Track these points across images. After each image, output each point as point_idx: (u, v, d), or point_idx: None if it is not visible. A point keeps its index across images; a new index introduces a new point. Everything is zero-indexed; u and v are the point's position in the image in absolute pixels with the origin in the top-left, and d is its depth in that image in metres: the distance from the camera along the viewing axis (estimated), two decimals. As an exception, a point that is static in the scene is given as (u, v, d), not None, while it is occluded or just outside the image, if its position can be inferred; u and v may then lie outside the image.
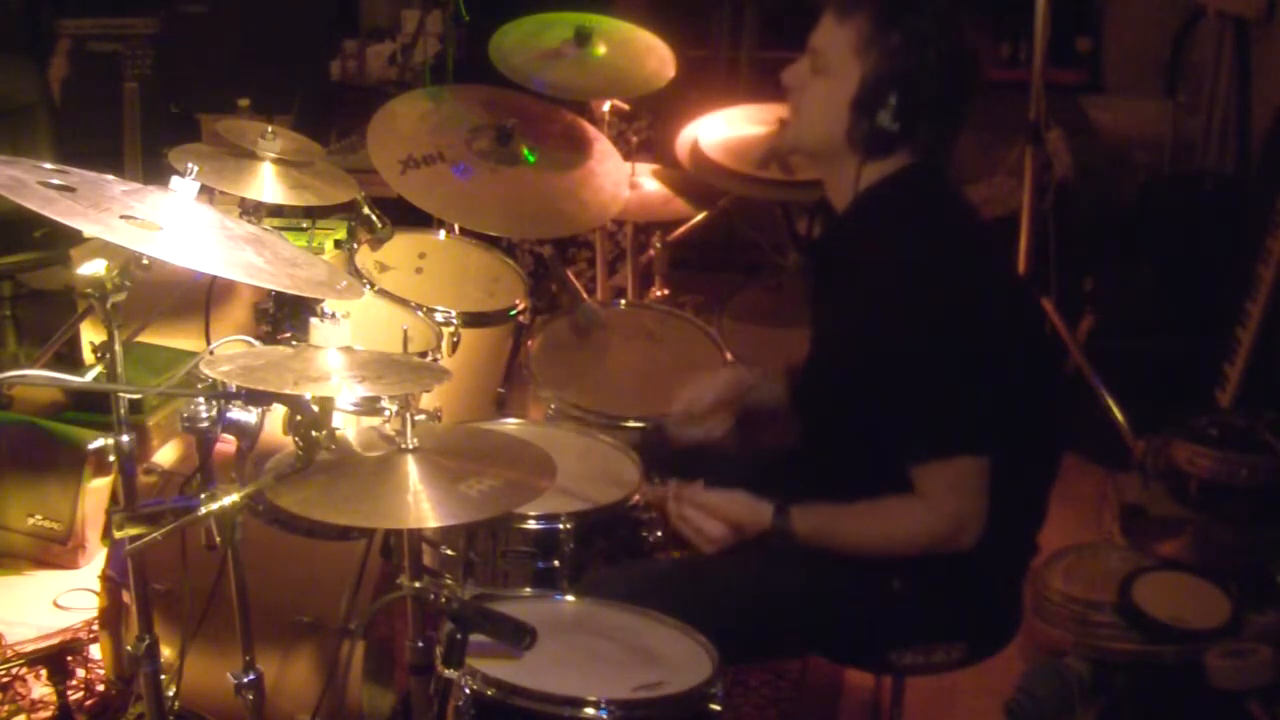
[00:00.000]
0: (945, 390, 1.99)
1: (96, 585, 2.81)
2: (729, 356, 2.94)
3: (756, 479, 2.17)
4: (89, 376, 2.56)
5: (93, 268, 1.72)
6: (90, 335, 3.56)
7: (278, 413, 1.77)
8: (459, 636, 1.74)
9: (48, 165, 1.71)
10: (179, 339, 3.38)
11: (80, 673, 2.80)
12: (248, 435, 1.80)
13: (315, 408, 1.73)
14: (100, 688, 2.78)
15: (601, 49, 3.37)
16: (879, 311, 2.01)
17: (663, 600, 1.98)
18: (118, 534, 1.80)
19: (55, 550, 3.34)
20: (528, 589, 2.16)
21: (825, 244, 2.21)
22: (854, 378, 2.07)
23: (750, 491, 2.13)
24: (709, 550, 2.13)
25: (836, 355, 2.17)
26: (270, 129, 2.55)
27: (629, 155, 3.35)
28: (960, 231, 2.11)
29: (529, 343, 2.96)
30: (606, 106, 3.44)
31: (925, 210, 2.08)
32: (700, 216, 3.66)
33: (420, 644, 2.01)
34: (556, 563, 2.19)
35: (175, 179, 1.76)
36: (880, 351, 2.00)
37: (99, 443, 1.81)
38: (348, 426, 2.00)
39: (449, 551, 2.25)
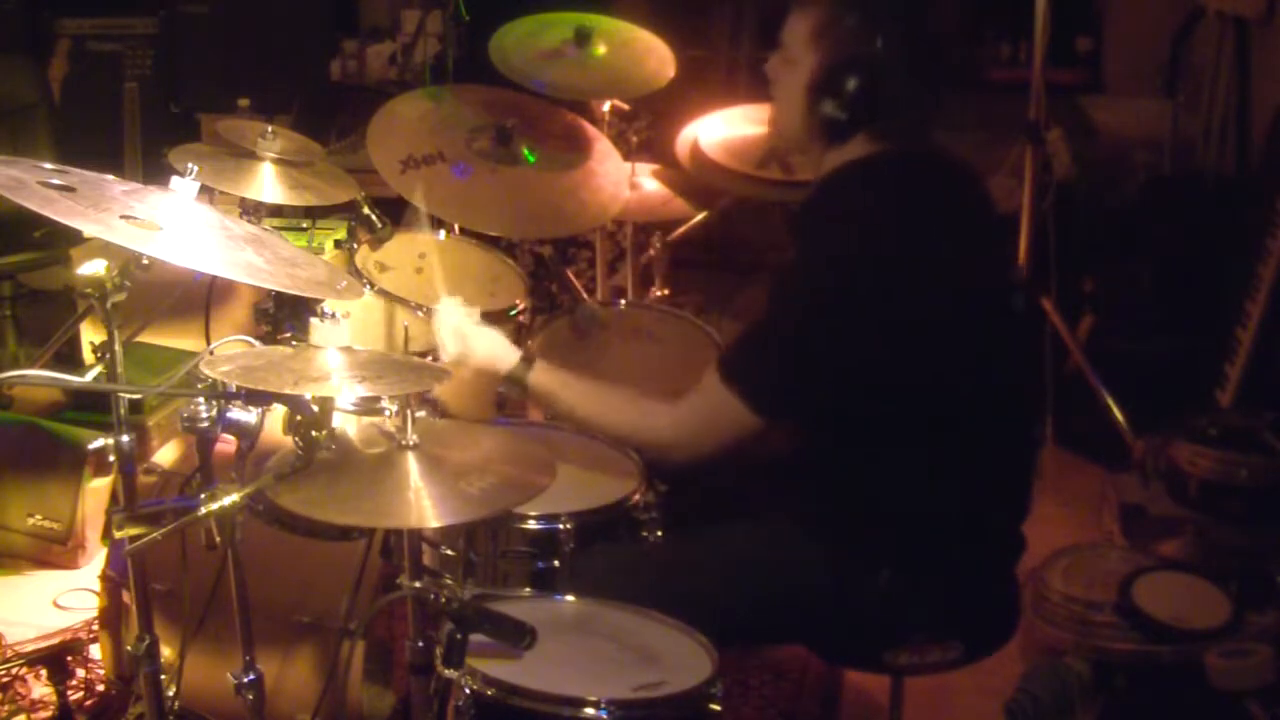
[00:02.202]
0: (778, 332, 2.01)
1: (96, 585, 2.81)
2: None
3: (755, 478, 2.17)
4: (89, 376, 2.56)
5: (93, 268, 1.72)
6: (90, 335, 3.56)
7: (278, 413, 1.77)
8: (459, 636, 1.74)
9: (48, 165, 1.71)
10: (179, 339, 3.38)
11: (80, 673, 2.80)
12: (248, 435, 1.80)
13: (315, 408, 1.73)
14: (100, 688, 2.78)
15: (601, 49, 3.37)
16: (796, 256, 2.05)
17: (660, 603, 1.97)
18: (118, 534, 1.80)
19: (55, 550, 3.34)
20: (528, 589, 2.16)
21: (789, 227, 2.22)
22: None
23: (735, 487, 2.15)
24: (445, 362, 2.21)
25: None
26: (270, 129, 2.55)
27: (629, 155, 3.35)
28: (910, 197, 2.06)
29: (529, 343, 2.96)
30: (606, 106, 3.44)
31: (884, 191, 2.05)
32: (700, 216, 3.65)
33: (420, 644, 2.01)
34: (556, 563, 2.19)
35: (175, 179, 1.76)
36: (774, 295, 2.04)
37: (99, 443, 1.82)
38: (347, 425, 2.00)
39: (449, 551, 2.24)
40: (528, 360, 2.20)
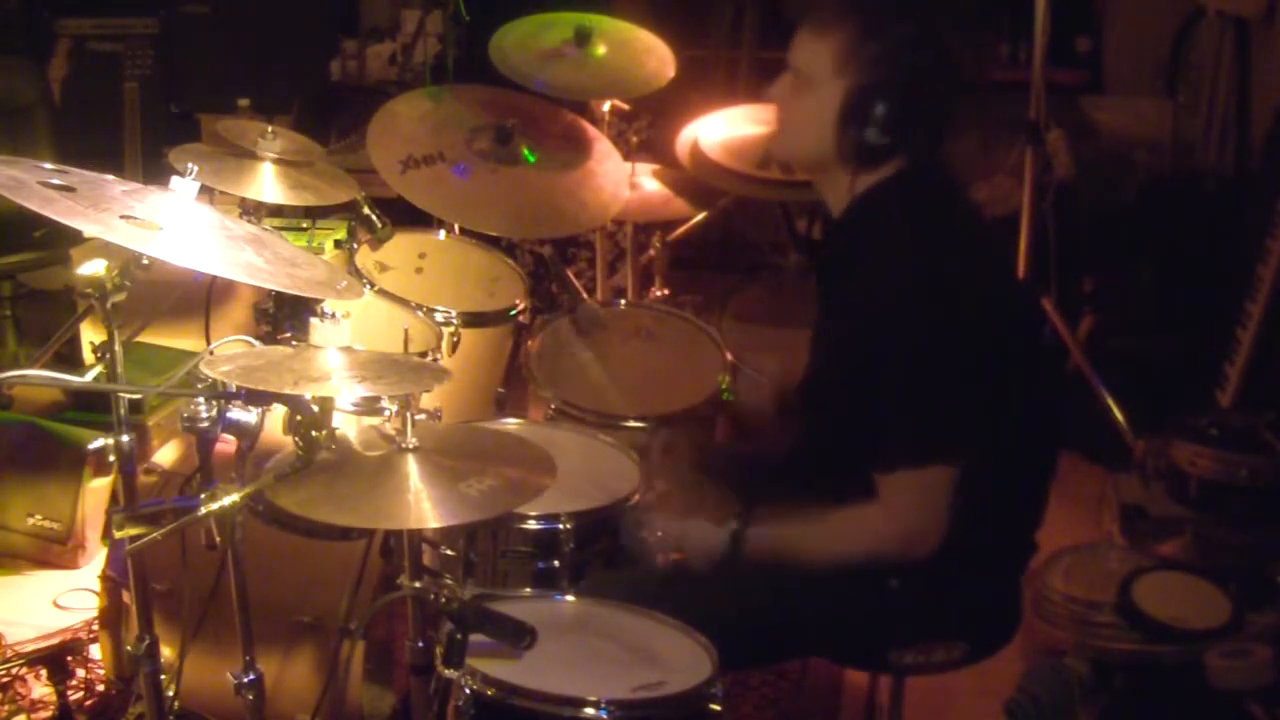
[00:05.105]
0: (929, 396, 1.97)
1: (96, 585, 2.82)
2: (729, 357, 2.93)
3: (754, 479, 2.17)
4: (89, 376, 2.55)
5: (93, 268, 1.72)
6: (90, 335, 3.55)
7: (278, 413, 1.77)
8: (459, 636, 1.74)
9: (48, 165, 1.71)
10: (179, 339, 3.38)
11: (80, 673, 2.80)
12: (248, 435, 1.80)
13: (315, 408, 1.73)
14: (100, 688, 2.78)
15: (601, 49, 3.37)
16: (874, 313, 2.00)
17: (663, 606, 1.98)
18: (118, 534, 1.80)
19: (55, 550, 3.34)
20: (528, 589, 2.16)
21: (823, 250, 2.21)
22: (849, 382, 2.06)
23: (738, 491, 2.15)
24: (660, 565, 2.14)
25: (833, 359, 2.16)
26: (270, 129, 2.55)
27: (629, 155, 3.35)
28: (959, 232, 2.10)
29: (529, 343, 2.96)
30: (606, 106, 3.44)
31: (922, 212, 2.06)
32: (700, 216, 3.65)
33: (420, 644, 2.01)
34: (556, 563, 2.19)
35: (175, 179, 1.76)
36: (872, 353, 1.99)
37: (99, 443, 1.82)
38: (348, 426, 2.00)
39: (449, 551, 2.25)
40: (737, 538, 2.08)
